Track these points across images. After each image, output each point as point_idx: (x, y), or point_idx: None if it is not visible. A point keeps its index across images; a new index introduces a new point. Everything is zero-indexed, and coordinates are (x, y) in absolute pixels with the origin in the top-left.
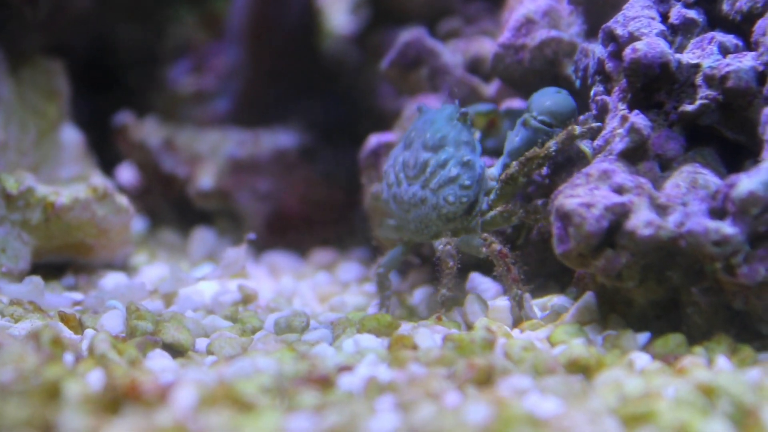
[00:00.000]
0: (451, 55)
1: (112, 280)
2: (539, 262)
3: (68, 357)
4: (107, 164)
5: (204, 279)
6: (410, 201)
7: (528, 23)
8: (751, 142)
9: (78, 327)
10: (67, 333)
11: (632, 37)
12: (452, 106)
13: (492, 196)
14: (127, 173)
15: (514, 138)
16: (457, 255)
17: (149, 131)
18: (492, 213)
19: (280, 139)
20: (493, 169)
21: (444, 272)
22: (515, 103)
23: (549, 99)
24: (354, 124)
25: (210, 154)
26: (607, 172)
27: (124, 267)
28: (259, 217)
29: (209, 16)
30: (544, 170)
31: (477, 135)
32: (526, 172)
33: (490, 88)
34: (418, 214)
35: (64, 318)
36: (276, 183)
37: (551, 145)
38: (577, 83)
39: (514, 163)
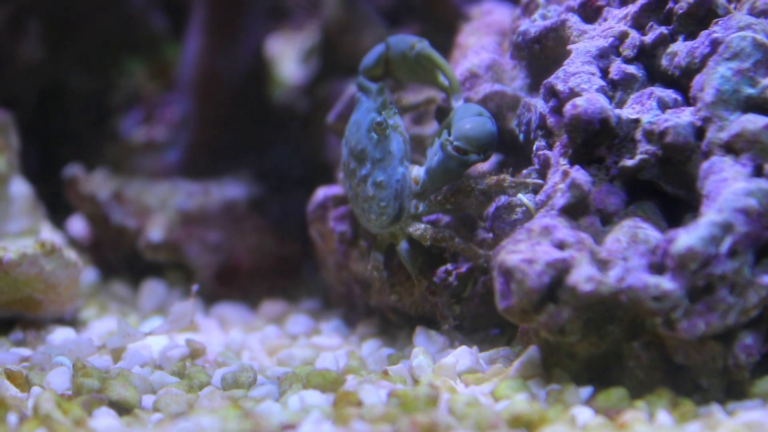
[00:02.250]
0: None
1: (60, 335)
2: (485, 314)
3: (12, 418)
4: (58, 214)
5: (152, 334)
6: (352, 201)
7: (472, 77)
8: (690, 197)
9: (25, 384)
10: (13, 391)
11: (573, 93)
12: (374, 110)
13: (421, 208)
14: (77, 225)
15: (432, 156)
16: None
17: (99, 183)
18: (420, 230)
19: (229, 190)
20: (417, 172)
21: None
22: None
23: (468, 122)
24: (304, 174)
25: (160, 206)
26: (548, 227)
27: (74, 321)
28: (209, 269)
29: (159, 66)
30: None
31: (396, 140)
32: (453, 201)
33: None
34: (359, 214)
35: (11, 376)
36: (226, 235)
37: (478, 183)
38: (521, 137)
39: (443, 189)
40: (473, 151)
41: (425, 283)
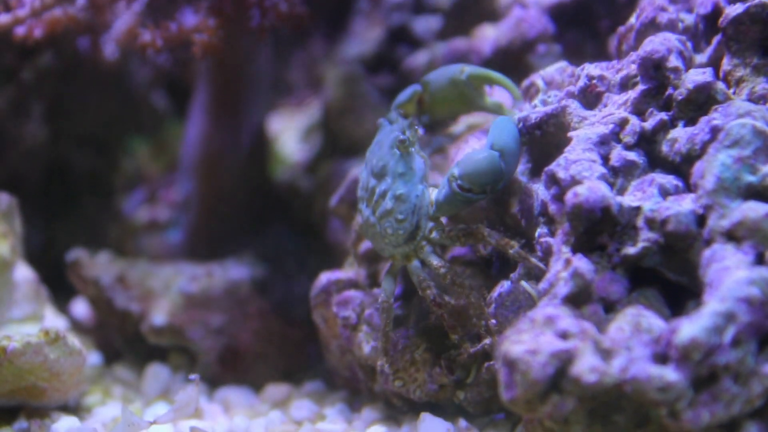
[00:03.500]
0: None
1: (65, 424)
2: (489, 399)
3: None
4: (62, 295)
5: (156, 422)
6: (366, 223)
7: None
8: (693, 284)
9: None
10: None
11: (574, 181)
12: (398, 130)
13: (435, 235)
14: (81, 308)
15: (441, 189)
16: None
17: (102, 267)
18: (441, 267)
19: (232, 272)
20: (435, 194)
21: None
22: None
23: (473, 162)
24: (307, 255)
25: (163, 289)
26: (551, 317)
27: (78, 408)
28: (213, 352)
29: (162, 146)
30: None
31: (418, 159)
32: (464, 242)
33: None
34: (372, 236)
35: None
36: (229, 317)
37: (491, 237)
38: (523, 222)
39: (458, 227)
40: (477, 190)
41: (431, 294)
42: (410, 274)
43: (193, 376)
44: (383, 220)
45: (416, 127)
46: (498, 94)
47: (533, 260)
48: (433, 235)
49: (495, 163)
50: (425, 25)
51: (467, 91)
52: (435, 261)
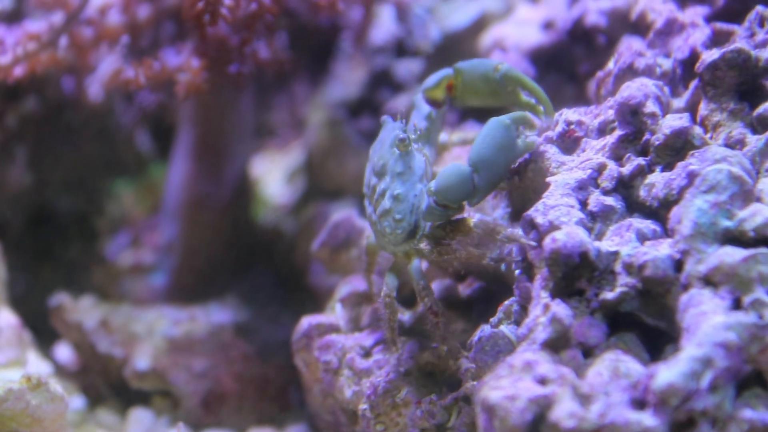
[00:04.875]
0: None
1: None
2: None
3: None
4: (46, 339)
5: None
6: (369, 219)
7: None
8: (671, 329)
9: None
10: None
11: (552, 227)
12: (399, 128)
13: (428, 230)
14: (64, 351)
15: (424, 200)
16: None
17: (85, 312)
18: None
19: (215, 316)
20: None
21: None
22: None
23: (445, 178)
24: (291, 298)
25: (146, 334)
26: (530, 363)
27: None
28: (196, 396)
29: (147, 189)
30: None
31: (418, 158)
32: (452, 236)
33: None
34: (375, 233)
35: None
36: (212, 361)
37: (478, 227)
38: (503, 267)
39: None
40: (452, 206)
41: (429, 302)
42: (410, 277)
43: (180, 426)
44: (383, 219)
45: (425, 125)
46: None
47: (524, 239)
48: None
49: (465, 181)
50: (407, 68)
51: (499, 88)
52: (425, 245)
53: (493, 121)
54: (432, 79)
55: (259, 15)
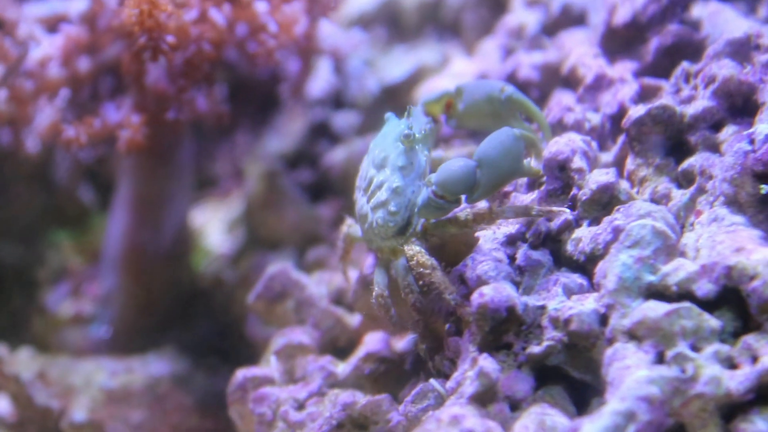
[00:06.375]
0: (316, 287)
1: None
2: None
3: None
4: None
5: None
6: (360, 212)
7: None
8: (596, 382)
9: None
10: None
11: (480, 281)
12: (405, 125)
13: (419, 228)
14: (1, 403)
15: (422, 193)
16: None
17: (22, 364)
18: (414, 251)
19: (153, 367)
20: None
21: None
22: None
23: (449, 169)
24: (230, 348)
25: (83, 386)
26: (457, 417)
27: None
28: None
29: (88, 239)
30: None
31: (420, 156)
32: (441, 232)
33: (355, 320)
34: (364, 226)
35: None
36: (149, 413)
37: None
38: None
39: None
40: (450, 198)
41: (413, 298)
42: (395, 273)
43: None
44: (376, 210)
45: (430, 126)
46: None
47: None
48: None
49: (469, 173)
50: (345, 120)
51: (502, 110)
52: (409, 248)
53: (506, 129)
54: (432, 94)
55: (197, 59)
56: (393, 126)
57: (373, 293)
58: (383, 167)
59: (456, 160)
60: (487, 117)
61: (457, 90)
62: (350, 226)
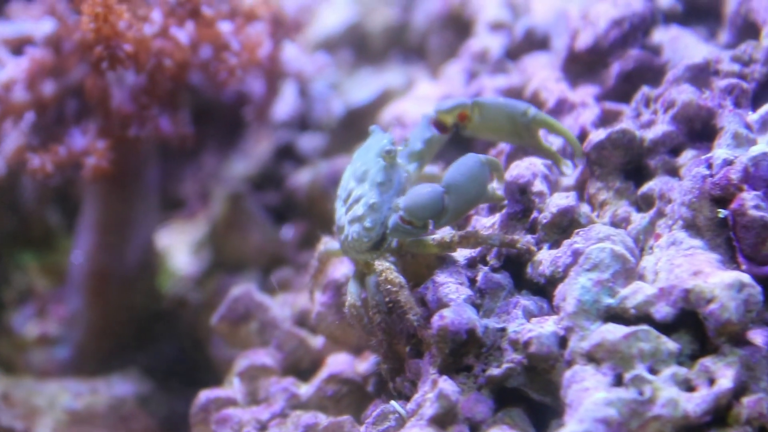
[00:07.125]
0: (280, 309)
1: None
2: None
3: None
4: None
5: None
6: (338, 222)
7: (342, 285)
8: (556, 404)
9: None
10: None
11: (440, 304)
12: (387, 140)
13: (394, 245)
14: None
15: (391, 217)
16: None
17: None
18: (384, 267)
19: (117, 388)
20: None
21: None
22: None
23: (415, 195)
24: (195, 370)
25: (47, 407)
26: None
27: None
28: None
29: (54, 260)
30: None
31: (400, 173)
32: (411, 252)
33: (318, 341)
34: (341, 237)
35: None
36: None
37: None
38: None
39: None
40: (417, 224)
41: (379, 319)
42: (367, 289)
43: None
44: (353, 224)
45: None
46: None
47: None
48: (393, 245)
49: (436, 200)
50: (310, 142)
51: (523, 131)
52: (379, 264)
53: (471, 156)
54: (446, 103)
55: (159, 75)
56: (377, 140)
57: (346, 303)
58: (363, 181)
59: (424, 186)
60: (505, 133)
61: (474, 103)
62: (326, 244)
